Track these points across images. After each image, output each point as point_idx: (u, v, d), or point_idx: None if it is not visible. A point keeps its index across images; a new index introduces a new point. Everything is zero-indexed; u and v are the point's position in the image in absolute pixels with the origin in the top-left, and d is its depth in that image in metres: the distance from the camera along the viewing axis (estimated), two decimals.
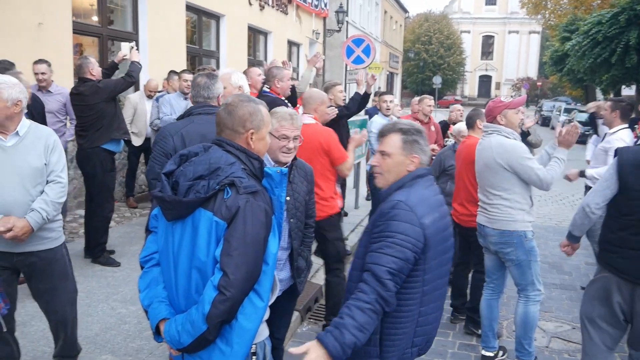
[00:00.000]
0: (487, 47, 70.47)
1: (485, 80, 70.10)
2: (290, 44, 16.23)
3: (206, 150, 2.02)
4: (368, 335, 2.01)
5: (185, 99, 6.58)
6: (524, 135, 5.96)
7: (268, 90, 5.10)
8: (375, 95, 6.14)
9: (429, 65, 54.51)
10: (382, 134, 2.36)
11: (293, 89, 5.65)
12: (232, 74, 3.87)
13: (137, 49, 5.76)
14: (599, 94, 29.77)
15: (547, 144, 3.99)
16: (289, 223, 2.83)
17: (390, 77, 38.84)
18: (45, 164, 3.01)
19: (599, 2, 29.57)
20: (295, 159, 2.94)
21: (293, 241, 2.87)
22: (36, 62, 5.74)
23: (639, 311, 2.92)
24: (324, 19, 19.42)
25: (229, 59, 11.80)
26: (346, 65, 16.95)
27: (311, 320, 4.68)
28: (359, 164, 8.14)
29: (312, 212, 3.08)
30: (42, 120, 2.91)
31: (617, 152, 3.09)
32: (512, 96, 4.53)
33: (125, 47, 5.82)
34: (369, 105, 9.13)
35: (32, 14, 6.50)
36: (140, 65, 5.50)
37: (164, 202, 1.95)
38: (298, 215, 2.89)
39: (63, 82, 6.28)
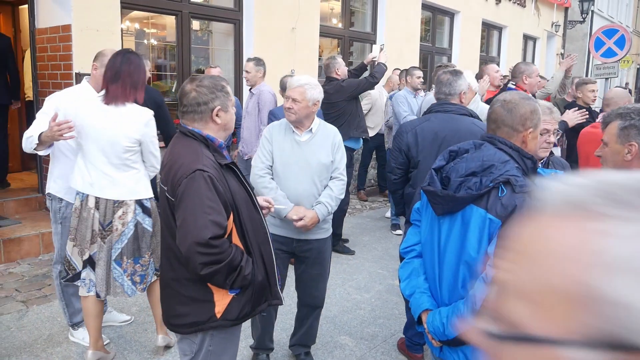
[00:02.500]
0: None
1: None
2: (526, 38, 15.27)
3: (477, 148, 2.00)
4: None
5: (415, 96, 6.55)
6: None
7: (514, 87, 4.87)
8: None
9: None
10: (605, 121, 2.17)
11: None
12: None
13: (384, 51, 5.92)
14: None
15: None
16: None
17: None
18: (332, 161, 3.22)
19: None
20: (551, 153, 2.78)
21: None
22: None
23: None
24: (566, 9, 17.84)
25: (461, 55, 11.60)
26: (589, 59, 15.36)
27: None
28: None
29: None
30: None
31: None
32: None
33: (375, 49, 6.05)
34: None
35: (288, 20, 7.22)
36: (385, 66, 5.69)
37: (435, 197, 1.98)
38: None
39: None
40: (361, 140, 5.98)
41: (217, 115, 2.18)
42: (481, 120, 3.36)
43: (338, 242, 5.97)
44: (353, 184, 8.56)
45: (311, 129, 3.21)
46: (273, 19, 7.03)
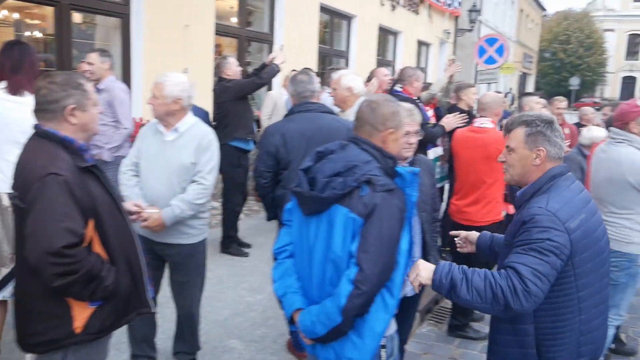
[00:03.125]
0: (634, 46, 64.18)
1: (629, 82, 63.91)
2: (420, 43, 16.00)
3: (343, 148, 2.05)
4: (468, 301, 1.96)
5: None
6: None
7: (400, 90, 5.04)
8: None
9: (566, 65, 50.94)
10: (508, 128, 2.23)
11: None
12: (342, 77, 3.94)
13: (282, 51, 5.82)
14: None
15: None
16: (420, 217, 2.81)
17: (523, 78, 36.92)
18: (194, 163, 3.06)
19: None
20: (416, 153, 2.91)
21: (425, 235, 2.84)
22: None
23: None
24: (456, 18, 18.90)
25: (359, 58, 11.90)
26: (476, 65, 16.37)
27: (431, 321, 4.59)
28: None
29: (438, 206, 3.07)
30: None
31: None
32: None
33: (276, 49, 5.98)
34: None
35: (180, 16, 7.02)
36: (277, 67, 5.57)
37: (302, 197, 2.00)
38: (427, 209, 2.87)
39: (206, 80, 6.71)
40: (252, 142, 5.89)
41: (71, 114, 2.04)
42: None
43: (231, 245, 5.89)
44: (251, 185, 8.49)
45: (177, 128, 3.09)
46: (164, 15, 6.80)
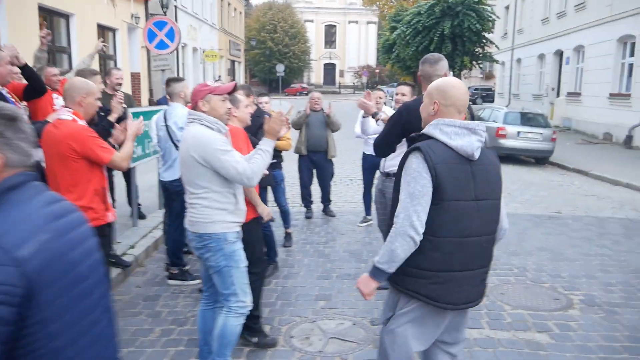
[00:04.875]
0: (330, 36, 72.56)
1: (329, 69, 72.20)
2: (103, 28, 14.61)
3: None
4: None
5: None
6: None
7: None
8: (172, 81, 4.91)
9: (275, 53, 54.54)
10: None
11: (33, 75, 4.65)
12: None
13: None
14: None
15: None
16: None
17: (232, 65, 37.97)
18: None
19: None
20: None
21: None
22: None
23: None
24: (146, 2, 17.94)
25: (18, 44, 10.06)
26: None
27: None
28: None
29: None
30: None
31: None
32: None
33: None
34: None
35: None
36: None
37: None
38: None
39: None
40: None
41: None
42: None
43: None
44: None
45: None
46: None
